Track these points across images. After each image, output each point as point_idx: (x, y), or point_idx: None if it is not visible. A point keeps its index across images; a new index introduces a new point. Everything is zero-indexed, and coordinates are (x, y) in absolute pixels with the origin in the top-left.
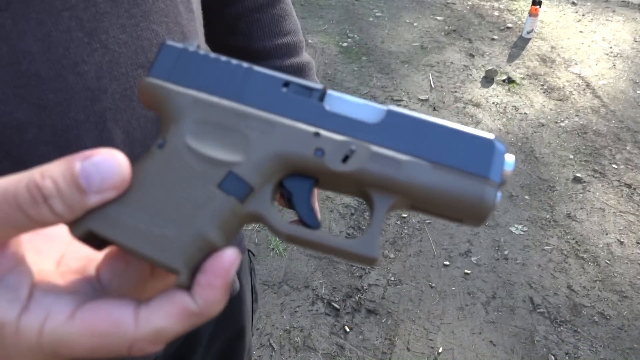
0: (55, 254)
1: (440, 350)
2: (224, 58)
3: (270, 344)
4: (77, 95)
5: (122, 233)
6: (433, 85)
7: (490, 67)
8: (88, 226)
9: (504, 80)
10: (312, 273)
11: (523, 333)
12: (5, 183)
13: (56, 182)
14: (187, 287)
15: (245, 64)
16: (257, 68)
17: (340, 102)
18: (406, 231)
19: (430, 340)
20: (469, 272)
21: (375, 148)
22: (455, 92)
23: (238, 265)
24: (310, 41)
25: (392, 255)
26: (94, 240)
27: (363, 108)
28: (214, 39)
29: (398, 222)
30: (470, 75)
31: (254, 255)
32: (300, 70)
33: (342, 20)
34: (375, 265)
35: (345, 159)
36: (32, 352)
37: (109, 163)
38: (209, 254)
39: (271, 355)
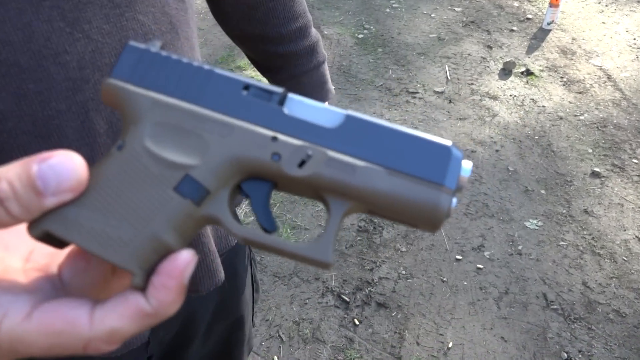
0: (24, 249)
1: (450, 345)
2: (185, 60)
3: (279, 335)
4: (58, 86)
5: (78, 234)
6: (449, 78)
7: (508, 59)
8: (45, 227)
9: (522, 73)
10: None
11: (535, 330)
12: None
13: (12, 185)
14: (142, 288)
15: (206, 66)
16: (218, 70)
17: (300, 106)
18: None
19: (441, 334)
20: (481, 266)
21: (332, 153)
22: (472, 84)
23: (193, 267)
24: (325, 32)
25: (403, 249)
26: (54, 240)
27: (323, 112)
28: (231, 26)
29: None
30: (488, 67)
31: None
32: (312, 51)
33: (358, 12)
34: (329, 269)
35: (302, 163)
36: None
37: (66, 165)
38: (164, 256)
39: (280, 347)
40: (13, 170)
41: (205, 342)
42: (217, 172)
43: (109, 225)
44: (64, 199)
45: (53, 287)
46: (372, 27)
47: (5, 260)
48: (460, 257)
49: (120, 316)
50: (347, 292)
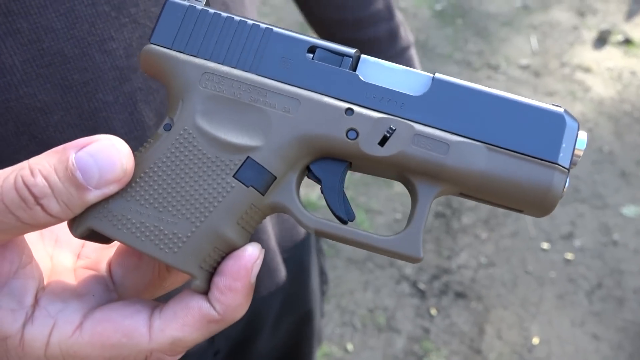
0: (76, 242)
1: (535, 341)
2: (237, 17)
3: (352, 323)
4: (104, 75)
5: (127, 232)
6: (536, 49)
7: (604, 27)
8: (89, 224)
9: (620, 42)
10: None
11: (632, 327)
12: None
13: (49, 179)
14: (205, 291)
15: (263, 25)
16: (277, 29)
17: (378, 69)
18: (501, 210)
19: (525, 329)
20: (571, 257)
21: (419, 127)
22: (562, 56)
23: (260, 263)
24: (401, 5)
25: (484, 236)
26: (101, 237)
27: (405, 76)
28: (311, 14)
29: None
30: (580, 36)
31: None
32: (394, 35)
33: None
34: (418, 262)
35: (384, 140)
36: None
37: (108, 152)
38: (227, 253)
39: (353, 335)
40: (48, 161)
41: (273, 335)
42: (283, 154)
43: (161, 220)
44: (108, 192)
45: (105, 289)
46: None
47: (56, 257)
48: (547, 246)
49: (183, 325)
50: (423, 280)
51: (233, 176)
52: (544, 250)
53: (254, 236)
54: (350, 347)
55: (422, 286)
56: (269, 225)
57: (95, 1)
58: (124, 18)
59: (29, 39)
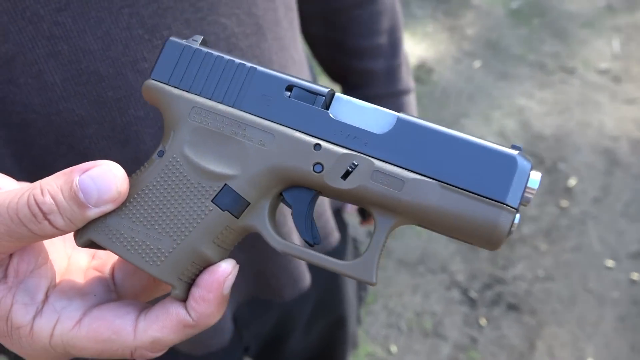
0: None
1: None
2: (227, 57)
3: (398, 325)
4: (136, 93)
5: (119, 245)
6: (618, 53)
7: None
8: (88, 236)
9: None
10: (451, 256)
11: None
12: (8, 197)
13: (55, 198)
14: (183, 299)
15: (248, 64)
16: (260, 68)
17: (348, 108)
18: (565, 222)
19: (579, 349)
20: (637, 278)
21: (379, 164)
22: None
23: (233, 278)
24: (475, 2)
25: (544, 248)
26: (99, 246)
27: (372, 115)
28: (310, 32)
29: (556, 212)
30: None
31: (359, 242)
32: (392, 75)
33: None
34: (372, 286)
35: (346, 174)
36: (45, 352)
37: (106, 177)
38: (203, 267)
39: (398, 337)
40: (55, 182)
41: (306, 337)
42: (256, 183)
43: (148, 236)
44: (105, 210)
45: (107, 289)
46: None
47: (73, 257)
48: (611, 264)
49: (162, 327)
50: (475, 288)
51: (211, 201)
52: (608, 268)
53: None
54: (394, 349)
55: (473, 294)
56: (295, 235)
57: (130, 25)
58: (157, 40)
59: (68, 59)
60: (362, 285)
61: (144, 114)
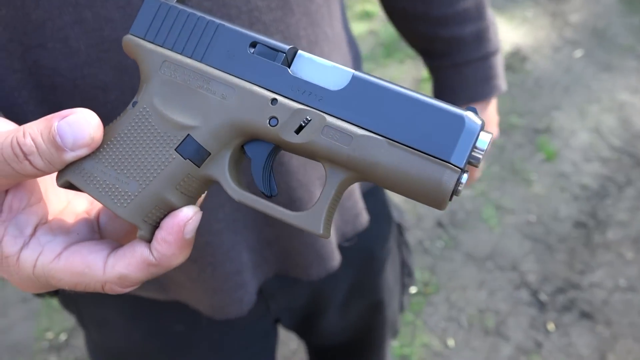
0: None
1: None
2: (198, 13)
3: (458, 319)
4: None
5: (92, 186)
6: None
7: None
8: (66, 177)
9: None
10: (524, 255)
11: None
12: None
13: (35, 140)
14: (148, 240)
15: (217, 21)
16: (228, 25)
17: (308, 65)
18: None
19: None
20: None
21: (330, 119)
22: None
23: (195, 223)
24: None
25: (629, 256)
26: (76, 188)
27: (330, 72)
28: (390, 4)
29: None
30: None
31: (404, 228)
32: (481, 37)
33: None
34: (324, 238)
35: (299, 129)
36: (29, 280)
37: (82, 123)
38: (167, 212)
39: (457, 331)
40: (37, 126)
41: (342, 317)
42: (217, 135)
43: (118, 180)
44: (80, 154)
45: (90, 230)
46: None
47: (72, 202)
48: None
49: (128, 264)
50: (546, 290)
51: (175, 149)
52: None
53: None
54: (451, 343)
55: (543, 297)
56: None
57: None
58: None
59: (92, 27)
60: (405, 271)
61: None
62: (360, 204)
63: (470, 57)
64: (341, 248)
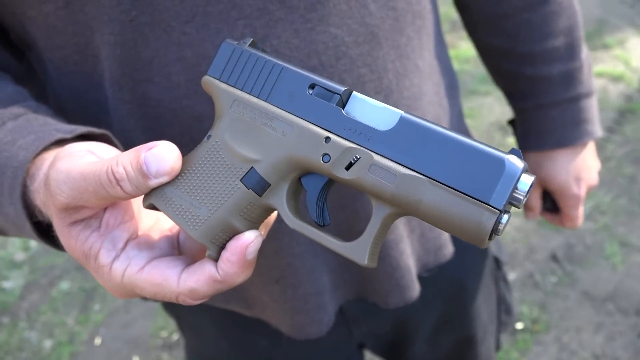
0: None
1: None
2: (266, 57)
3: None
4: None
5: (170, 210)
6: None
7: None
8: (150, 200)
9: None
10: None
11: None
12: (96, 166)
13: (126, 169)
14: (216, 259)
15: (281, 63)
16: (291, 67)
17: (360, 106)
18: None
19: None
20: None
21: (377, 158)
22: None
23: (256, 246)
24: None
25: None
26: (158, 209)
27: (380, 112)
28: (476, 37)
29: None
30: None
31: (502, 263)
32: (571, 78)
33: None
34: (370, 268)
35: (349, 165)
36: (118, 287)
37: (164, 154)
38: (232, 235)
39: None
40: (127, 156)
41: (431, 348)
42: (276, 168)
43: (192, 205)
44: (162, 181)
45: (171, 246)
46: None
47: (160, 220)
48: None
49: (198, 280)
50: None
51: (240, 180)
52: None
53: (383, 252)
54: None
55: None
56: (405, 244)
57: (244, 35)
58: (267, 49)
59: (192, 63)
60: (502, 308)
61: None
62: (445, 236)
63: (557, 98)
64: (428, 279)
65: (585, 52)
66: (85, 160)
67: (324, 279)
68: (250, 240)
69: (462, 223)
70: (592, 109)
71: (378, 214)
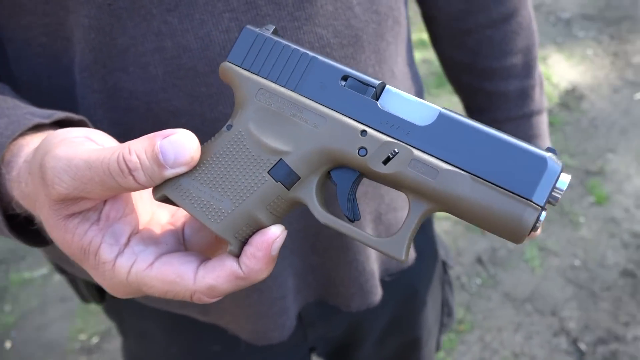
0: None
1: None
2: (293, 45)
3: None
4: (226, 91)
5: (188, 201)
6: None
7: None
8: (164, 192)
9: None
10: (565, 300)
11: None
12: (103, 153)
13: (140, 157)
14: (237, 255)
15: (311, 53)
16: (321, 58)
17: (396, 100)
18: None
19: None
20: None
21: (417, 153)
22: None
23: (281, 241)
24: None
25: None
26: (171, 202)
27: (417, 108)
28: (440, 50)
29: None
30: None
31: (449, 266)
32: (525, 95)
33: None
34: (402, 262)
35: (387, 160)
36: (122, 285)
37: (183, 143)
38: (256, 229)
39: None
40: (141, 144)
41: (378, 351)
42: (307, 160)
43: (212, 197)
44: (179, 171)
45: (177, 241)
46: None
47: (156, 213)
48: None
49: (218, 276)
50: (586, 340)
51: (267, 172)
52: None
53: (350, 255)
54: None
55: (583, 346)
56: (370, 249)
57: (229, 29)
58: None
59: (171, 55)
60: (445, 310)
61: (231, 112)
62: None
63: (512, 115)
64: (383, 283)
65: (538, 71)
66: (86, 147)
67: (289, 282)
68: (276, 235)
69: (503, 219)
70: (543, 125)
71: (416, 210)
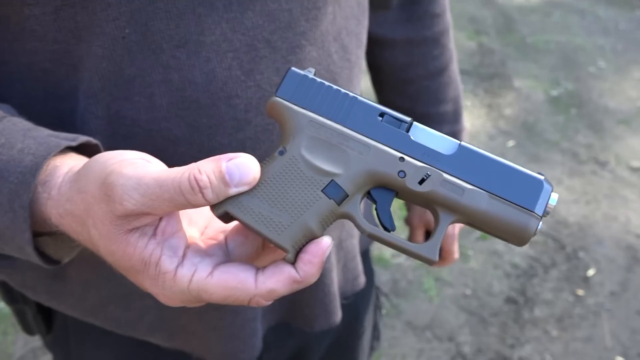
0: (202, 223)
1: None
2: (335, 87)
3: None
4: (225, 123)
5: (250, 217)
6: None
7: None
8: (226, 208)
9: None
10: (459, 327)
11: None
12: (173, 173)
13: (210, 177)
14: (292, 262)
15: (351, 94)
16: (361, 98)
17: (424, 133)
18: (579, 311)
19: None
20: None
21: (446, 176)
22: None
23: (330, 249)
24: (516, 85)
25: (554, 333)
26: (228, 218)
27: (441, 141)
28: (383, 95)
29: (571, 299)
30: None
31: (383, 294)
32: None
33: (557, 67)
34: (431, 265)
35: (422, 181)
36: (182, 294)
37: (247, 164)
38: (310, 239)
39: None
40: (209, 166)
41: None
42: (355, 181)
43: (272, 212)
44: (241, 190)
45: (224, 253)
46: (569, 85)
47: (188, 231)
48: None
49: (277, 281)
50: None
51: (321, 191)
52: None
53: (318, 279)
54: None
55: None
56: (334, 272)
57: (231, 67)
58: (250, 82)
59: (176, 87)
60: (375, 335)
61: (228, 142)
62: (360, 266)
63: None
64: (342, 305)
65: (463, 118)
66: (153, 167)
67: None
68: (328, 244)
69: (512, 227)
70: None
71: (445, 221)
